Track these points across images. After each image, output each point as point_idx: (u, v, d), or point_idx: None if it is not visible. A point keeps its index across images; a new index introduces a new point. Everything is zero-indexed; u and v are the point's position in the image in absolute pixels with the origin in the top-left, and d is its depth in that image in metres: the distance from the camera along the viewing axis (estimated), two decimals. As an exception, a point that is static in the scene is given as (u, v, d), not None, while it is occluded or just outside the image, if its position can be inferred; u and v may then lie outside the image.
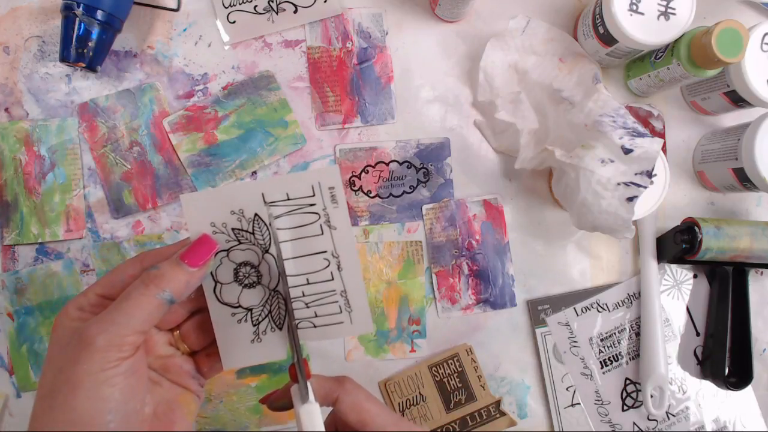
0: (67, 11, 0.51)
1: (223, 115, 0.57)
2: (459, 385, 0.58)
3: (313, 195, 0.36)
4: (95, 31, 0.52)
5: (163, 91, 0.57)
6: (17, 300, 0.56)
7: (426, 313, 0.58)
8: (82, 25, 0.51)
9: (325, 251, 0.37)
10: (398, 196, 0.58)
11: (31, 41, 0.57)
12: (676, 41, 0.51)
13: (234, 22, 0.57)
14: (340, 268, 0.38)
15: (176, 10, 0.57)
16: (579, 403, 0.59)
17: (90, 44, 0.52)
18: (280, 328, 0.39)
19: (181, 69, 0.57)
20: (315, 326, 0.39)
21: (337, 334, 0.39)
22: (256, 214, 0.36)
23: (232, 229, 0.37)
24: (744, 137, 0.53)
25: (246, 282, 0.38)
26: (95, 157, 0.57)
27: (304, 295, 0.38)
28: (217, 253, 0.37)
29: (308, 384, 0.35)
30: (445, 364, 0.58)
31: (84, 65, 0.53)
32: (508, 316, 0.59)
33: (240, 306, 0.38)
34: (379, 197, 0.58)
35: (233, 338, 0.38)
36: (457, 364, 0.58)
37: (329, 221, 0.37)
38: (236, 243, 0.37)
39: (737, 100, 0.55)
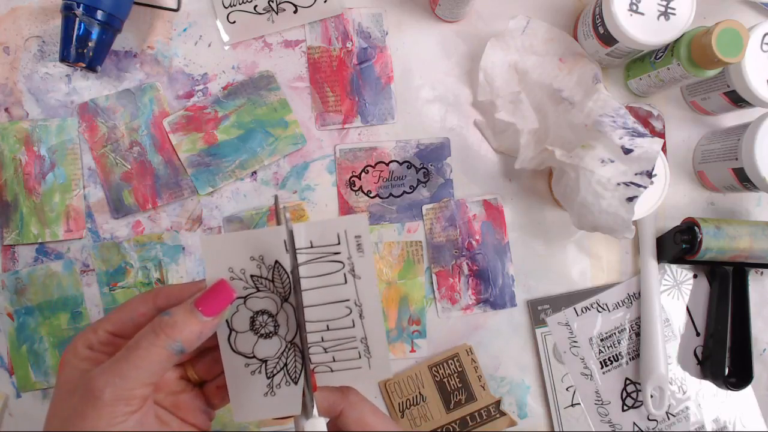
0: (67, 11, 0.51)
1: (223, 115, 0.57)
2: (459, 385, 0.58)
3: (339, 243, 0.35)
4: (95, 31, 0.52)
5: (163, 91, 0.57)
6: (17, 300, 0.56)
7: (426, 313, 0.58)
8: (82, 25, 0.51)
9: (348, 300, 0.36)
10: (398, 196, 0.58)
11: (31, 41, 0.57)
12: (676, 41, 0.51)
13: (234, 22, 0.57)
14: (362, 316, 0.36)
15: (176, 10, 0.57)
16: (579, 403, 0.59)
17: (90, 44, 0.52)
18: (296, 383, 0.37)
19: (181, 69, 0.57)
20: (332, 371, 0.38)
21: (354, 379, 0.37)
22: (276, 261, 0.35)
23: (251, 276, 0.35)
24: (744, 137, 0.53)
25: (262, 332, 0.36)
26: (95, 157, 0.57)
27: (323, 341, 0.37)
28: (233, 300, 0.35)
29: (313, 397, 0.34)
30: (445, 364, 0.58)
31: (84, 65, 0.53)
32: (508, 316, 0.59)
33: (254, 357, 0.36)
34: (379, 197, 0.58)
35: (246, 390, 0.36)
36: (457, 364, 0.58)
37: (353, 270, 0.35)
38: (254, 290, 0.35)
39: (737, 100, 0.55)
